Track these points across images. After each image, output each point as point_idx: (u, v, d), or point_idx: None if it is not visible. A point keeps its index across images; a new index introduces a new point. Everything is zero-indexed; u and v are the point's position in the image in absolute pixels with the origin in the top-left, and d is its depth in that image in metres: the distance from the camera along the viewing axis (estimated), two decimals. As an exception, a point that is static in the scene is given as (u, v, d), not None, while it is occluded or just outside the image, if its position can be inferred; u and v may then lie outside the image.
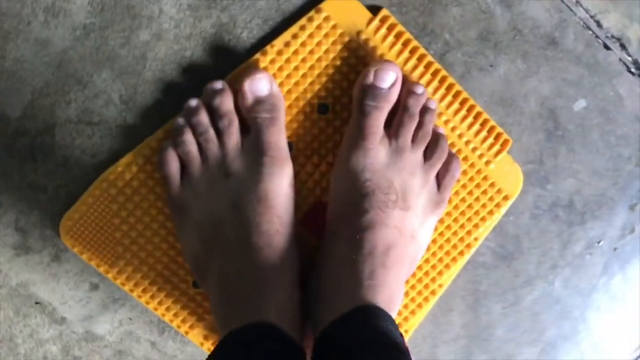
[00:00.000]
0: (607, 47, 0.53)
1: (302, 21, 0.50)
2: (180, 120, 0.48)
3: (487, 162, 0.54)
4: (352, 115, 0.49)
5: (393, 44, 0.51)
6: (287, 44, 0.50)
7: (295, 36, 0.50)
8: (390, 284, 0.45)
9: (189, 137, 0.48)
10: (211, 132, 0.47)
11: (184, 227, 0.50)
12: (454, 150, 0.53)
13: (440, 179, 0.51)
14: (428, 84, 0.52)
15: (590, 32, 0.53)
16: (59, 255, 0.53)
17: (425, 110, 0.49)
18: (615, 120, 0.55)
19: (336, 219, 0.49)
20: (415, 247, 0.49)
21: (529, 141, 0.55)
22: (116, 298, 0.55)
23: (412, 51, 0.51)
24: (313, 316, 0.47)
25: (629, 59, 0.54)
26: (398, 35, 0.51)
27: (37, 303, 0.54)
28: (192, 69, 0.50)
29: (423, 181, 0.50)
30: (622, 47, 0.53)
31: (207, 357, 0.41)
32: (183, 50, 0.50)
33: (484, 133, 0.53)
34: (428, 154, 0.50)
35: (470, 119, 0.53)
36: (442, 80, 0.52)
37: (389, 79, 0.48)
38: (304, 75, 0.50)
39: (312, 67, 0.50)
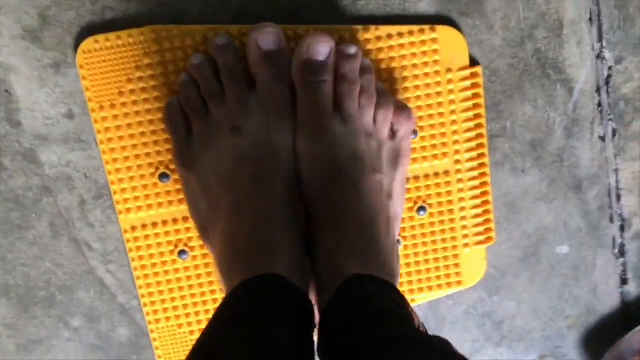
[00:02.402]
0: (611, 220, 0.58)
1: (414, 28, 0.51)
2: (185, 76, 0.48)
3: (465, 245, 0.56)
4: (298, 98, 0.48)
5: (465, 99, 0.53)
6: (389, 36, 0.51)
7: (400, 34, 0.51)
8: (381, 249, 0.45)
9: (193, 93, 0.48)
10: (216, 88, 0.47)
11: (189, 182, 0.49)
12: (449, 217, 0.55)
13: (396, 132, 0.50)
14: (469, 150, 0.54)
15: (609, 199, 0.57)
16: (60, 65, 0.50)
17: (363, 71, 0.48)
18: (579, 280, 0.59)
19: (314, 202, 0.48)
20: (394, 204, 0.49)
21: (507, 252, 0.58)
22: (81, 139, 0.52)
23: (476, 116, 0.53)
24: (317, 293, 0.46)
25: (619, 240, 0.59)
26: (475, 96, 0.53)
27: (6, 91, 0.50)
28: (297, 2, 0.50)
29: (379, 141, 0.49)
30: (622, 229, 0.58)
31: (217, 306, 0.40)
32: (304, -23, 0.49)
33: (480, 220, 0.56)
34: (375, 113, 0.49)
35: (478, 201, 0.55)
36: (480, 156, 0.54)
37: (325, 51, 0.47)
38: (383, 70, 0.51)
39: (393, 69, 0.51)
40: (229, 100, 0.47)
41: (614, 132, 0.56)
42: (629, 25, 0.53)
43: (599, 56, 0.54)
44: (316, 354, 0.41)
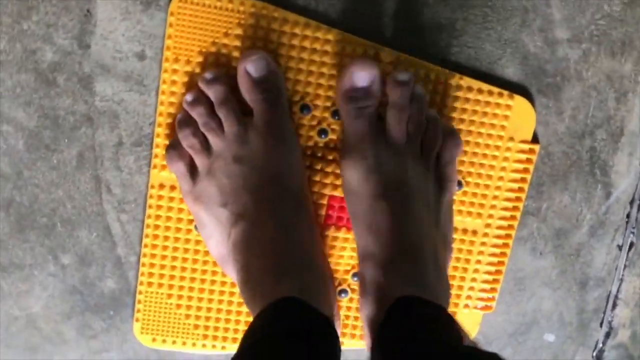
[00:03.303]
0: (601, 325, 0.60)
1: (495, 89, 0.52)
2: (181, 115, 0.49)
3: (466, 305, 0.57)
4: (344, 124, 0.50)
5: (515, 170, 0.54)
6: (469, 88, 0.52)
7: (480, 90, 0.52)
8: (425, 274, 0.45)
9: (191, 131, 0.48)
10: (212, 123, 0.48)
11: (201, 217, 0.49)
12: (461, 274, 0.56)
13: (441, 159, 0.50)
14: (501, 218, 0.55)
15: (605, 305, 0.60)
16: (150, 5, 0.49)
17: (413, 98, 0.49)
18: (553, 370, 0.61)
19: (359, 224, 0.49)
20: (440, 230, 0.49)
21: (500, 324, 0.59)
22: (143, 83, 0.50)
23: (519, 189, 0.55)
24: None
25: (601, 345, 0.61)
26: (524, 170, 0.54)
27: (87, 11, 0.48)
28: (397, 29, 0.50)
29: (424, 167, 0.49)
30: (607, 335, 0.61)
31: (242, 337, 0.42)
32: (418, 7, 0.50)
33: (487, 286, 0.57)
34: (424, 140, 0.49)
35: (492, 268, 0.57)
36: (509, 227, 0.56)
37: (367, 78, 0.47)
38: (453, 118, 0.52)
39: (462, 120, 0.52)
40: (226, 132, 0.48)
41: (631, 245, 0.58)
42: (680, 154, 0.56)
43: (643, 172, 0.56)
44: None
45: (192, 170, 0.49)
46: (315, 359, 0.39)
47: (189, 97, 0.48)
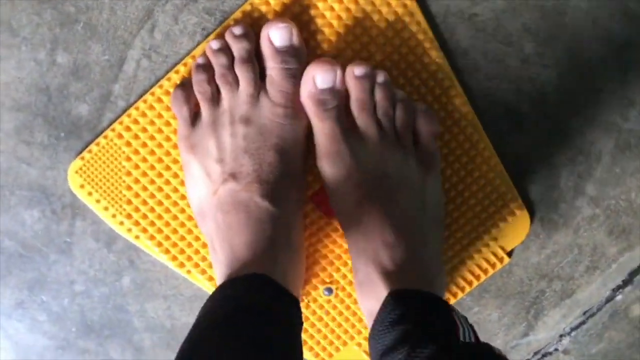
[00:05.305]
0: None
1: (514, 192, 0.55)
2: (201, 59, 0.48)
3: (358, 344, 0.58)
4: (313, 126, 0.48)
5: (477, 264, 0.57)
6: (498, 176, 0.54)
7: (504, 183, 0.54)
8: (420, 259, 0.46)
9: (207, 77, 0.48)
10: (229, 76, 0.47)
11: (191, 165, 0.49)
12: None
13: (419, 137, 0.49)
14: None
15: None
16: None
17: (376, 87, 0.48)
18: None
19: (347, 222, 0.49)
20: (426, 214, 0.49)
21: None
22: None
23: (468, 282, 0.57)
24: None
25: None
26: (484, 271, 0.57)
27: None
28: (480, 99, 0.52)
29: (403, 152, 0.49)
30: None
31: (205, 302, 0.43)
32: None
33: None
34: (397, 123, 0.49)
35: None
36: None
37: (330, 79, 0.47)
38: (460, 179, 0.54)
39: (472, 196, 0.55)
40: (240, 91, 0.47)
41: (510, 386, 0.62)
42: (597, 341, 0.61)
43: (560, 340, 0.61)
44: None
45: (194, 118, 0.48)
46: (278, 337, 0.40)
47: (214, 45, 0.47)
